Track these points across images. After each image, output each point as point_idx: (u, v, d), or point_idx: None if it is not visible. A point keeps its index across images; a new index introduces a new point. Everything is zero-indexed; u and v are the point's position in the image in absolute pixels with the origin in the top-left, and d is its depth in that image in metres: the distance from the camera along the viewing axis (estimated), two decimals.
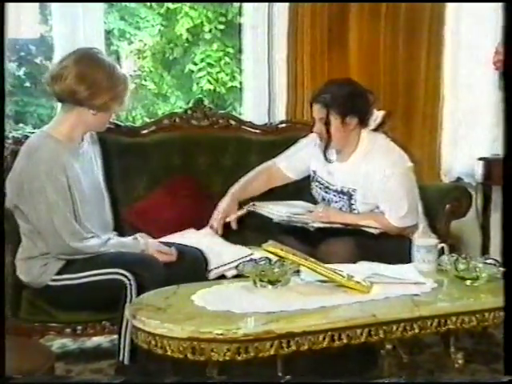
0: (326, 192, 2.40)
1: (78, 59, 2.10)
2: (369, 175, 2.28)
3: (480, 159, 3.12)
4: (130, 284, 1.97)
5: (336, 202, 2.36)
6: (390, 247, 2.14)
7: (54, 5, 2.79)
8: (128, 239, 2.16)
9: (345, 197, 2.34)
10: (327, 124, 2.27)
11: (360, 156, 2.32)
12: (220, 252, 2.23)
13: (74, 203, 2.06)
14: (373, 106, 2.35)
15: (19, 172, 2.07)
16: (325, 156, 2.38)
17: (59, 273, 2.07)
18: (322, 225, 2.21)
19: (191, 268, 2.10)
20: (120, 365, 2.01)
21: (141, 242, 2.13)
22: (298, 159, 2.49)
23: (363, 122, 2.32)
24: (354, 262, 1.99)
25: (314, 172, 2.45)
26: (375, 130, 2.37)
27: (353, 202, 2.32)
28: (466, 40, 3.10)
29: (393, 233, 2.30)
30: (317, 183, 2.43)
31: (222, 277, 2.13)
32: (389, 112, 2.45)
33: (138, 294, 1.91)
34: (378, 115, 2.36)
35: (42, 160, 2.04)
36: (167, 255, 2.10)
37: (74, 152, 2.13)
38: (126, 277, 1.98)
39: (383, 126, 2.40)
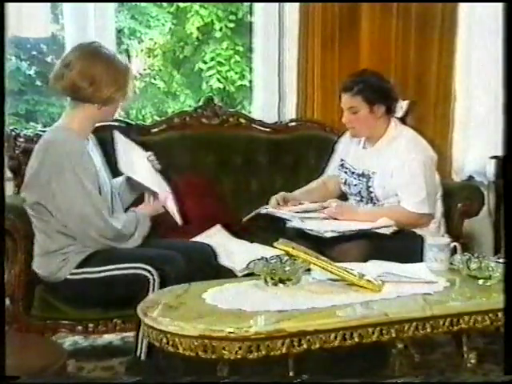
0: (349, 176, 2.46)
1: (78, 55, 2.08)
2: (390, 158, 2.34)
3: (492, 158, 3.10)
4: (154, 279, 1.96)
5: (355, 184, 2.43)
6: (404, 247, 2.13)
7: (65, 4, 2.80)
8: (128, 214, 2.15)
9: (364, 179, 2.39)
10: (356, 113, 2.34)
11: (385, 142, 2.39)
12: (231, 249, 2.23)
13: (100, 192, 2.07)
14: (398, 96, 2.42)
15: (39, 169, 2.04)
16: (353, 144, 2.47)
17: (78, 267, 2.05)
18: (336, 234, 2.20)
19: (201, 262, 2.10)
20: (131, 362, 2.01)
21: (139, 210, 2.16)
22: (338, 159, 2.56)
23: (390, 111, 2.39)
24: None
25: (342, 160, 2.52)
26: (403, 119, 2.43)
27: (370, 184, 2.38)
28: (479, 38, 3.08)
29: (408, 224, 2.30)
30: (344, 169, 2.49)
31: (233, 275, 2.13)
32: (414, 101, 2.53)
33: (161, 288, 1.91)
34: (403, 104, 2.43)
35: (69, 152, 2.01)
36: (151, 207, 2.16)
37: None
38: (149, 272, 1.97)
39: (409, 115, 2.45)
